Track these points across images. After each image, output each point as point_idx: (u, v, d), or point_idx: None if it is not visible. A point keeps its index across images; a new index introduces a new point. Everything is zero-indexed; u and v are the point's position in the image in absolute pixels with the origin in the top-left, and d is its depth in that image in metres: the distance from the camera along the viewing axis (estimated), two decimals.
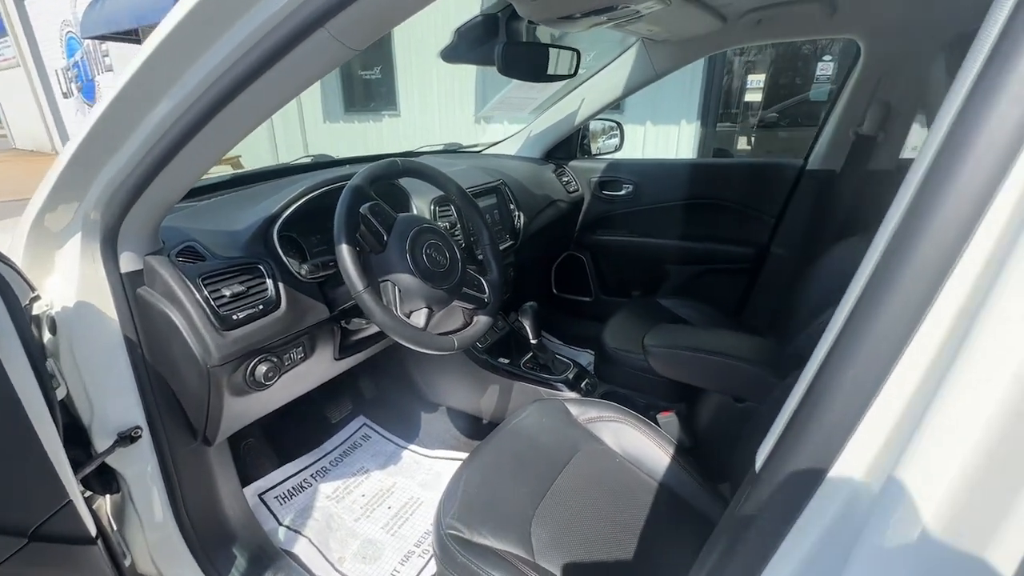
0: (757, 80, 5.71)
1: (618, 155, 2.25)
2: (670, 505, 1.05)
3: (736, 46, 1.96)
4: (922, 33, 1.37)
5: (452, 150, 2.21)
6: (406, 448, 1.68)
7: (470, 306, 1.15)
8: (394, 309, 0.99)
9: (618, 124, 2.27)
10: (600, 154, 2.26)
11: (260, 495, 1.40)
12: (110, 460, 0.97)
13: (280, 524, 1.35)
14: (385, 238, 1.01)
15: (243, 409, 1.02)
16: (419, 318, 1.02)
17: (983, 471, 0.25)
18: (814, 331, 1.21)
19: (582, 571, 0.87)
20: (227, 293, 0.92)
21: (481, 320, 1.14)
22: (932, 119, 1.10)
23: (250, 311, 0.94)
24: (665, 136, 4.89)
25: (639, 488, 1.08)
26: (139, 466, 1.00)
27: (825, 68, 4.58)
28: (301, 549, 1.28)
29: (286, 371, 1.03)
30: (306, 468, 1.54)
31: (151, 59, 0.60)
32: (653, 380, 1.44)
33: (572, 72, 1.29)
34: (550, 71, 1.24)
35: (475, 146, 2.31)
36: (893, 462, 0.28)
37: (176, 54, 0.60)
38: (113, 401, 0.94)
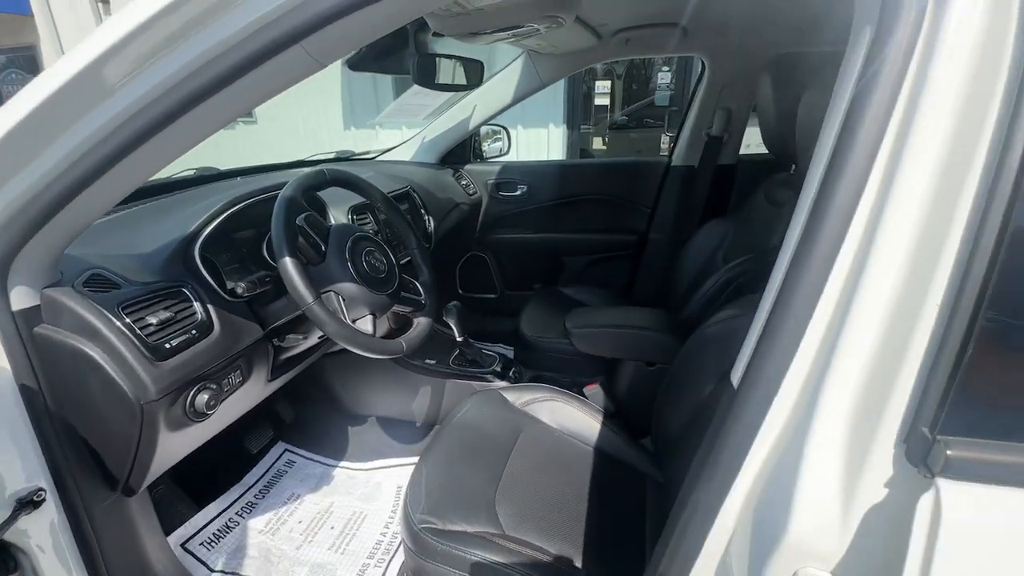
0: (604, 86, 6.37)
1: (510, 157, 2.39)
2: (606, 464, 1.21)
3: (609, 60, 2.22)
4: (750, 54, 1.72)
5: (345, 158, 2.16)
6: (337, 466, 1.62)
7: (408, 309, 1.18)
8: (341, 318, 0.98)
9: (504, 128, 2.42)
10: (492, 157, 2.39)
11: (183, 544, 1.26)
12: (8, 535, 0.82)
13: (212, 571, 1.23)
14: (323, 248, 1.00)
15: (179, 444, 0.94)
16: (366, 325, 1.03)
17: (880, 352, 0.40)
18: (700, 299, 1.45)
19: (547, 533, 0.97)
20: (153, 321, 0.84)
21: (422, 321, 1.18)
22: (762, 122, 1.40)
23: (183, 337, 0.87)
24: (536, 138, 5.21)
25: (579, 455, 1.22)
26: (45, 534, 0.86)
27: (664, 77, 5.29)
28: None
29: (226, 397, 0.96)
30: (230, 506, 1.42)
31: (97, 61, 0.55)
32: (573, 359, 1.60)
33: (478, 82, 1.38)
34: (459, 81, 1.31)
35: (367, 153, 2.28)
36: (827, 357, 0.42)
37: (129, 56, 0.56)
38: (6, 463, 0.81)
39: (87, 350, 0.78)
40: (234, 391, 0.99)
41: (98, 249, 0.92)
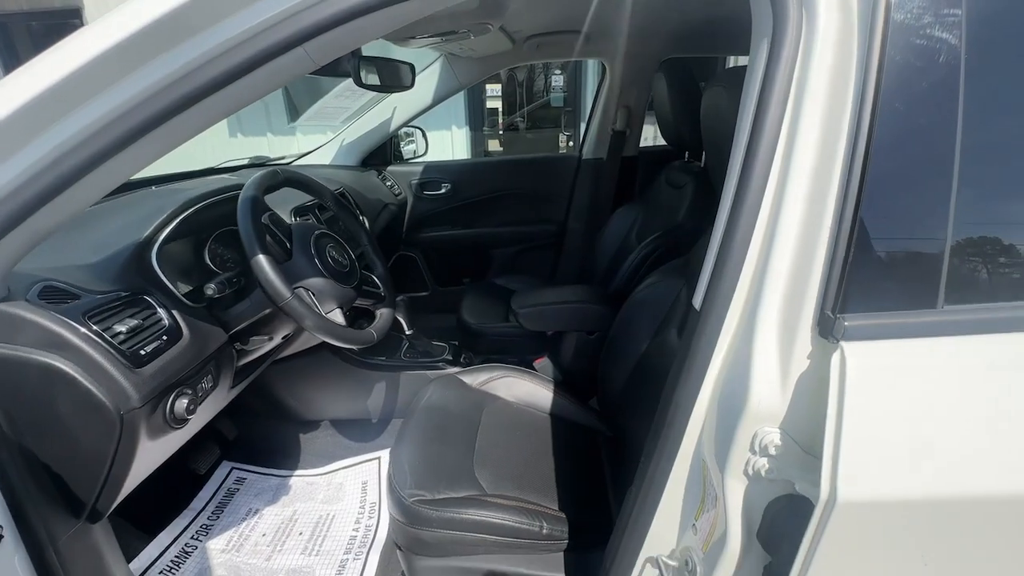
0: (495, 89, 6.62)
1: (428, 157, 2.45)
2: (563, 426, 1.35)
3: (522, 63, 2.38)
4: (644, 59, 1.97)
5: (259, 164, 2.08)
6: (292, 476, 1.59)
7: (370, 301, 1.22)
8: (318, 311, 1.01)
9: (420, 130, 2.47)
10: (410, 159, 2.43)
11: None
12: None
13: None
14: (288, 246, 1.02)
15: (156, 454, 0.91)
16: (337, 317, 1.06)
17: (795, 264, 0.57)
18: (624, 274, 1.65)
19: (524, 489, 1.09)
20: (122, 329, 0.82)
21: (385, 312, 1.23)
22: (659, 117, 1.65)
23: (155, 344, 0.85)
24: (440, 140, 5.27)
25: (538, 422, 1.35)
26: (5, 574, 0.80)
27: (558, 80, 5.65)
28: None
29: (201, 402, 0.94)
30: (183, 532, 1.34)
31: (99, 59, 0.56)
32: (516, 340, 1.73)
33: (411, 84, 1.44)
34: (393, 83, 1.37)
35: (283, 158, 2.21)
36: (762, 274, 0.59)
37: (129, 54, 0.57)
38: None
39: (56, 364, 0.74)
40: (207, 396, 0.97)
41: (37, 262, 0.86)
